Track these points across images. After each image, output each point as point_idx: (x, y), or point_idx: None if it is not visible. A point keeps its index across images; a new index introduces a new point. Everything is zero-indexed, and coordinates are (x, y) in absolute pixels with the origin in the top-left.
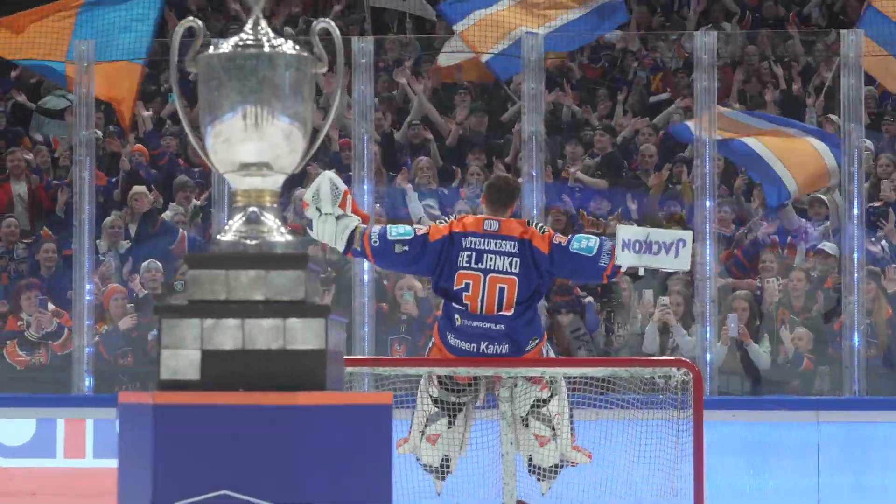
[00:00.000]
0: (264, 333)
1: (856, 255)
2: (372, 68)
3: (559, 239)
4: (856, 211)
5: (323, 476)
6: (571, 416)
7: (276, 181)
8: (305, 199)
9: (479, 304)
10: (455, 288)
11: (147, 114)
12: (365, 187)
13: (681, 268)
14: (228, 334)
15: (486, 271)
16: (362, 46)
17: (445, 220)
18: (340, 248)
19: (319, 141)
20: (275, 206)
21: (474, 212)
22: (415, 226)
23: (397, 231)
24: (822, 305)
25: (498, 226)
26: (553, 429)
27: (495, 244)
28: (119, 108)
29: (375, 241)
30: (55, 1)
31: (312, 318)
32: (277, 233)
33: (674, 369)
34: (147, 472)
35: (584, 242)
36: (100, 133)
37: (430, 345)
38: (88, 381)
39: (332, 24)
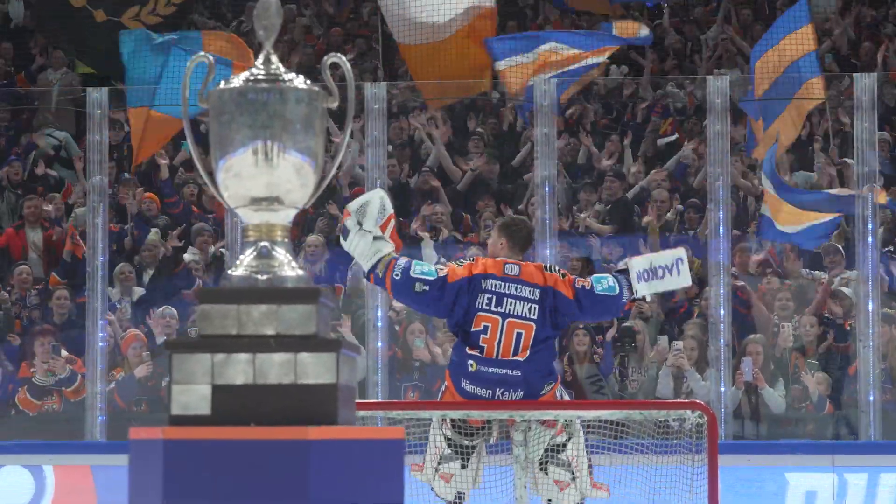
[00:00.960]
0: (275, 368)
1: (870, 302)
2: (385, 114)
3: (581, 282)
4: (870, 256)
5: None
6: (589, 456)
7: (287, 215)
8: (350, 208)
9: (496, 347)
10: (473, 329)
11: (164, 162)
12: None
13: (685, 284)
14: (239, 369)
15: (504, 315)
16: (375, 92)
17: (462, 262)
18: (366, 267)
19: (332, 175)
20: (286, 240)
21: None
22: (436, 266)
23: (421, 269)
24: (837, 350)
25: (518, 270)
26: (572, 472)
27: (516, 289)
28: (137, 151)
29: (398, 275)
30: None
31: (324, 353)
32: (289, 267)
33: (688, 412)
34: None
35: (605, 283)
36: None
37: (443, 389)
38: (100, 428)
39: (343, 58)
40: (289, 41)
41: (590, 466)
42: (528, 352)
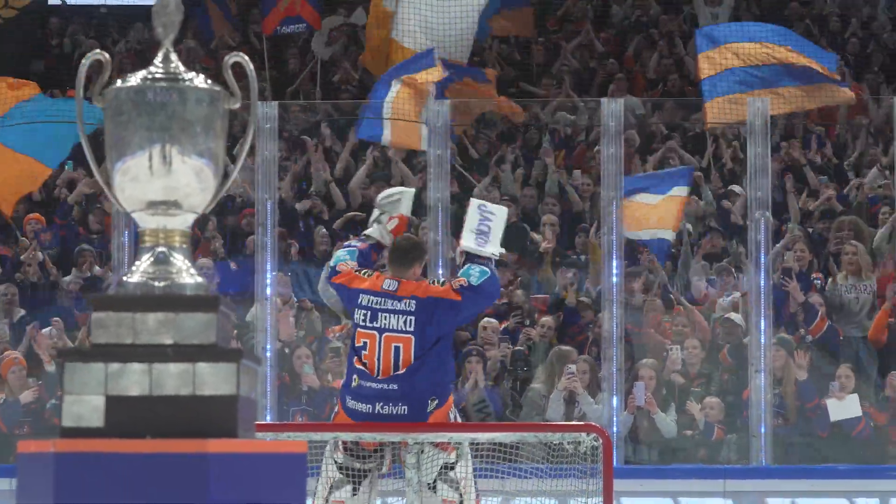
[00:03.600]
0: (173, 378)
1: (762, 324)
2: (276, 133)
3: (458, 282)
4: (762, 282)
5: None
6: (476, 480)
7: (185, 220)
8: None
9: (377, 363)
10: (357, 345)
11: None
12: (268, 256)
13: (502, 212)
14: (135, 379)
15: (381, 330)
16: (267, 112)
17: (360, 271)
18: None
19: (231, 179)
20: (184, 246)
21: None
22: (352, 262)
23: (339, 254)
24: (728, 376)
25: (397, 286)
26: (460, 494)
27: (391, 303)
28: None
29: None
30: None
31: (224, 363)
32: (187, 274)
33: (583, 434)
34: None
35: (475, 271)
36: None
37: (335, 411)
38: None
39: (245, 57)
40: None
41: (476, 488)
42: (407, 366)
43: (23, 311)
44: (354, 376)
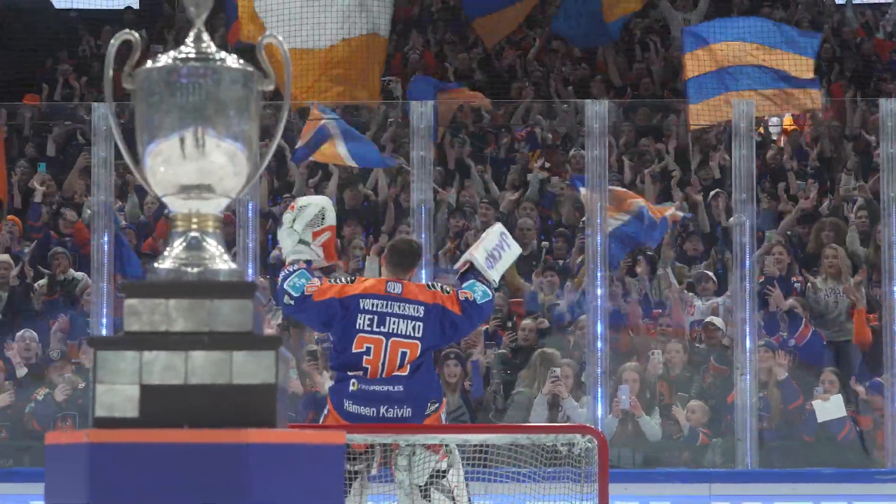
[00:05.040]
0: (209, 367)
1: (747, 327)
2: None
3: (464, 294)
4: (747, 285)
5: None
6: (469, 489)
7: (218, 204)
8: (297, 202)
9: (380, 367)
10: (354, 351)
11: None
12: (250, 265)
13: (518, 251)
14: (170, 368)
15: (388, 335)
16: None
17: (340, 279)
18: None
19: (266, 163)
20: (218, 231)
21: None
22: (311, 281)
23: (293, 282)
24: (711, 380)
25: (401, 288)
26: (454, 500)
27: (399, 307)
28: None
29: (278, 283)
30: None
31: (261, 351)
32: (220, 259)
33: (577, 436)
34: None
35: (479, 289)
36: None
37: (325, 413)
38: None
39: (279, 38)
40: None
41: (468, 497)
42: (409, 366)
43: None
44: (353, 381)
